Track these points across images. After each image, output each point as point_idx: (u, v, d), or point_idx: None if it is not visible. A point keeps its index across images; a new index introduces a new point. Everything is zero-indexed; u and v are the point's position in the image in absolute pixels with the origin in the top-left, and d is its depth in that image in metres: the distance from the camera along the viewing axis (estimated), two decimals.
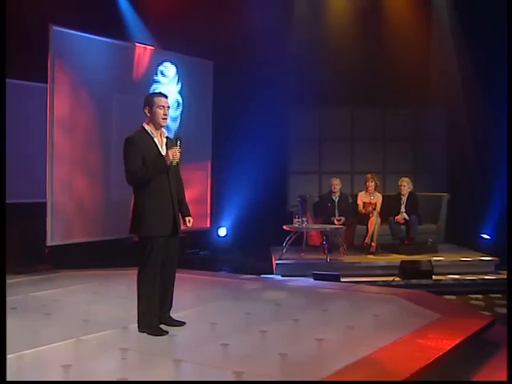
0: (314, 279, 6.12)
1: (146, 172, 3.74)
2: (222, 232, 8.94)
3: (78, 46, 6.94)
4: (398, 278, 6.49)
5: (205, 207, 8.61)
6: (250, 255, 8.00)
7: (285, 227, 7.46)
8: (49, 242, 6.69)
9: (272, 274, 6.86)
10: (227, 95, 8.30)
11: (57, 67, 6.69)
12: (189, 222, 4.02)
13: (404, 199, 7.81)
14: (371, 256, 7.45)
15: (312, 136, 9.02)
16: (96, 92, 7.17)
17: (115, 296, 5.17)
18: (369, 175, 8.02)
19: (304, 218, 7.46)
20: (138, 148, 3.77)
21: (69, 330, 3.99)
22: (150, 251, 3.82)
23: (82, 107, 7.03)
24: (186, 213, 4.00)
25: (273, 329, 4.07)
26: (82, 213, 7.04)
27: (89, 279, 5.96)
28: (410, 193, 7.82)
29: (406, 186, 7.79)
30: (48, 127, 6.65)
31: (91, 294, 5.26)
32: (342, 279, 6.14)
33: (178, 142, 3.83)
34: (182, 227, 3.97)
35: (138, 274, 3.89)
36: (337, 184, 8.12)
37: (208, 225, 8.69)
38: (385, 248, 7.66)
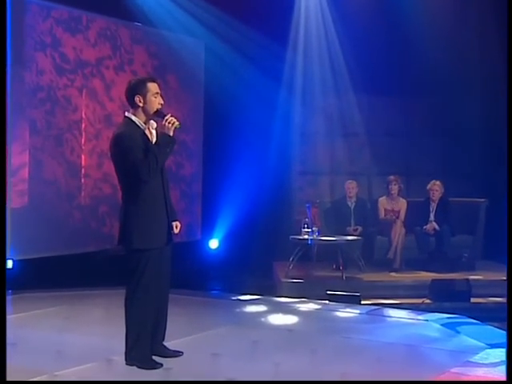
0: (330, 301, 6.10)
1: (155, 158, 3.71)
2: (214, 244, 8.90)
3: (44, 20, 6.92)
4: (428, 301, 6.47)
5: (195, 215, 8.56)
6: (247, 271, 7.95)
7: (292, 238, 7.45)
8: (9, 257, 6.60)
9: (276, 293, 6.85)
10: (220, 81, 8.28)
11: (16, 46, 6.63)
12: (176, 227, 4.00)
13: (434, 206, 7.83)
14: (394, 274, 7.46)
15: (321, 130, 8.97)
16: (68, 75, 7.14)
17: (93, 321, 5.13)
18: (392, 177, 8.02)
19: (314, 228, 7.44)
20: (135, 142, 3.75)
21: (40, 363, 3.93)
22: (144, 267, 3.79)
23: (48, 94, 6.99)
24: (173, 217, 3.98)
25: (287, 360, 4.04)
26: (49, 221, 6.97)
27: (59, 301, 5.90)
28: (441, 198, 7.83)
29: (438, 190, 7.80)
30: (5, 116, 6.57)
31: (63, 319, 5.20)
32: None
33: (164, 114, 3.83)
34: None
35: (128, 295, 3.84)
36: (353, 187, 8.12)
37: (198, 236, 8.64)
38: (411, 264, 7.65)
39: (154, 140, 3.87)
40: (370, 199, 8.47)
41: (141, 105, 3.79)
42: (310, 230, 7.35)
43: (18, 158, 6.72)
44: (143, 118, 3.83)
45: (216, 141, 8.57)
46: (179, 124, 3.78)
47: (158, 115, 3.83)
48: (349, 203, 8.10)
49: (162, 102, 3.85)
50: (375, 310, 5.72)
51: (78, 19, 7.22)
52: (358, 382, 3.71)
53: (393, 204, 8.00)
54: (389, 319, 5.39)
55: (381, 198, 8.10)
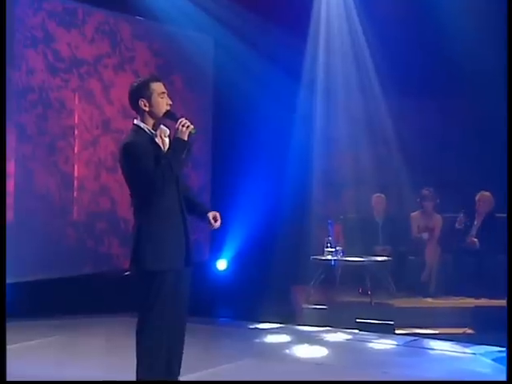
0: (360, 330, 6.14)
1: (169, 165, 3.72)
2: (222, 265, 8.92)
3: (35, 13, 6.95)
4: (470, 330, 6.47)
5: (202, 232, 8.53)
6: (261, 296, 7.91)
7: (313, 259, 7.48)
8: None
9: (296, 321, 6.86)
10: (232, 81, 8.28)
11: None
12: (214, 219, 3.93)
13: (480, 220, 7.82)
14: (430, 299, 7.47)
15: (345, 136, 8.97)
16: (61, 75, 7.17)
17: (93, 352, 5.14)
18: (426, 191, 8.04)
19: (338, 247, 7.45)
20: (145, 149, 3.76)
21: None
22: (158, 291, 3.77)
23: (39, 97, 7.00)
24: (205, 209, 3.98)
25: None
26: (39, 239, 6.96)
27: (53, 331, 5.92)
28: (489, 213, 7.82)
29: (486, 202, 7.81)
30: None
31: (59, 350, 5.25)
32: None
33: (176, 116, 3.83)
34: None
35: (139, 322, 3.82)
36: (381, 202, 8.19)
37: (206, 255, 8.64)
38: (448, 288, 7.64)
39: (167, 148, 3.87)
40: (400, 215, 8.47)
41: (147, 109, 3.82)
42: (333, 249, 7.38)
43: None
44: (151, 123, 3.86)
45: (226, 148, 8.57)
46: (194, 128, 3.79)
47: (170, 117, 3.84)
48: (377, 219, 8.14)
49: (170, 103, 3.87)
50: (413, 340, 5.75)
51: (73, 12, 7.26)
52: (358, 381, 4.08)
53: (427, 220, 8.01)
54: (430, 352, 5.41)
55: (413, 214, 8.12)
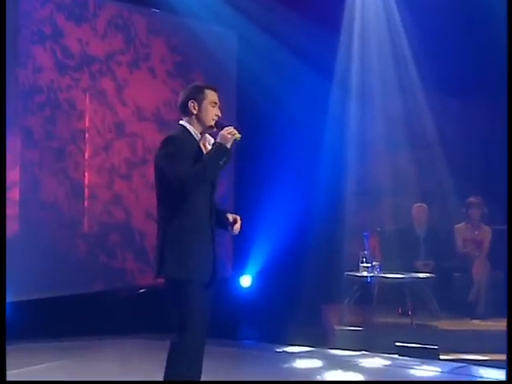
0: (399, 354, 6.13)
1: (202, 167, 3.84)
2: (246, 281, 8.96)
3: (43, 5, 7.02)
4: None
5: (225, 246, 8.54)
6: (288, 316, 7.94)
7: (347, 275, 7.45)
8: None
9: (328, 344, 6.90)
10: (257, 79, 8.32)
11: (8, 37, 6.72)
12: (234, 221, 3.98)
13: None
14: (478, 321, 7.42)
15: (383, 139, 8.97)
16: (71, 74, 7.23)
17: (104, 378, 5.11)
18: (472, 199, 7.98)
19: (375, 263, 7.42)
20: (185, 149, 3.89)
21: None
22: (187, 303, 3.82)
23: (47, 97, 7.05)
24: (226, 215, 4.04)
25: None
26: (46, 253, 7.00)
27: (61, 354, 5.97)
28: None
29: None
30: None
31: (68, 375, 5.25)
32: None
33: (223, 125, 3.96)
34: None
35: (179, 335, 3.80)
36: (422, 212, 8.12)
37: (229, 271, 8.66)
38: (499, 308, 7.46)
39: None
40: (444, 226, 8.44)
41: (195, 112, 3.98)
42: (369, 264, 7.36)
43: (6, 174, 6.77)
44: (198, 128, 4.01)
45: (251, 152, 8.52)
46: (240, 137, 3.90)
47: (218, 126, 3.98)
48: (418, 231, 8.09)
49: (220, 114, 4.02)
50: (460, 367, 5.72)
51: (83, 4, 7.34)
52: (358, 381, 4.25)
53: (474, 232, 7.98)
54: (479, 380, 5.38)
55: (458, 226, 8.08)
